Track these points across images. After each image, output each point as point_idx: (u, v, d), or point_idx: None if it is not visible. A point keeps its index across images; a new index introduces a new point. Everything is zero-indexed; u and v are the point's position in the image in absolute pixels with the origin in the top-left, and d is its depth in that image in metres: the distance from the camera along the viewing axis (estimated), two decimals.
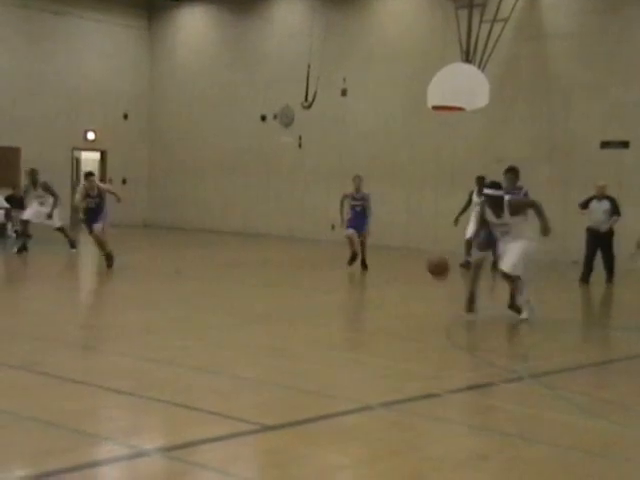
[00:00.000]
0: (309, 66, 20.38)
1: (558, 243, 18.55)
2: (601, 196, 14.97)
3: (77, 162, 26.53)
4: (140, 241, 23.26)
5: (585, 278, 14.88)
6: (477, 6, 19.11)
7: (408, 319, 10.58)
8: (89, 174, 15.80)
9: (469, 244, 15.46)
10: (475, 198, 15.97)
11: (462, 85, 17.50)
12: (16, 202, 21.53)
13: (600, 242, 14.98)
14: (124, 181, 26.66)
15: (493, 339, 9.71)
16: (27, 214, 17.82)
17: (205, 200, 25.77)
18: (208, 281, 14.13)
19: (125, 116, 26.40)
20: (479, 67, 18.58)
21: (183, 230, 25.14)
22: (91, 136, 25.76)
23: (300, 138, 23.64)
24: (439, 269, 9.87)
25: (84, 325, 10.27)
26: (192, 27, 26.30)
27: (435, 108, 18.00)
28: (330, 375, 7.49)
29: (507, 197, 10.11)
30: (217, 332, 9.32)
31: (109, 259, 14.75)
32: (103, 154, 26.42)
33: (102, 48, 25.94)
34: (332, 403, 6.45)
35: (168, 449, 5.28)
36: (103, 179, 26.58)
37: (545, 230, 10.02)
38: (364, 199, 15.61)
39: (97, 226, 14.77)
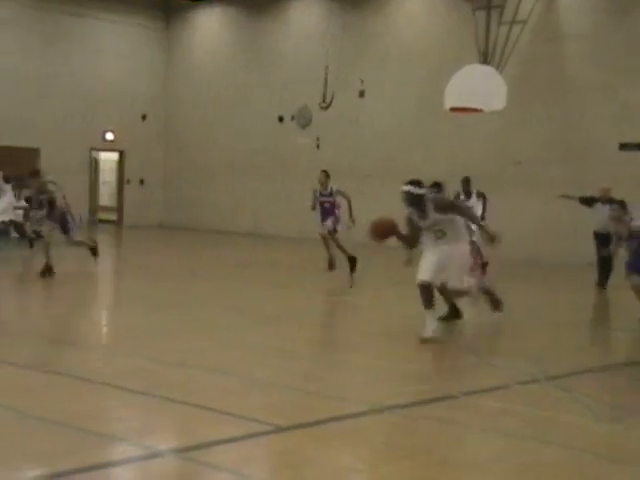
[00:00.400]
0: (327, 67, 20.40)
1: (571, 244, 18.54)
2: (605, 199, 14.74)
3: (96, 162, 26.68)
4: (155, 242, 23.36)
5: (601, 282, 14.80)
6: (495, 8, 19.09)
7: (418, 320, 10.54)
8: (34, 172, 14.18)
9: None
10: (463, 200, 15.67)
11: (480, 87, 17.49)
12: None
13: (607, 244, 14.79)
14: (142, 182, 26.78)
15: (504, 340, 9.68)
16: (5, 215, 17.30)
17: (220, 201, 25.82)
18: (219, 281, 14.18)
19: (143, 117, 26.51)
20: (497, 69, 18.55)
21: (198, 231, 25.20)
22: (110, 136, 25.88)
23: (318, 139, 23.66)
24: (382, 232, 9.01)
25: (97, 325, 10.35)
26: (209, 28, 26.38)
27: (452, 109, 17.99)
28: (340, 377, 7.50)
29: (430, 195, 9.17)
30: (227, 333, 9.35)
31: (94, 250, 14.30)
32: (121, 154, 26.54)
33: (119, 49, 26.05)
34: (342, 405, 6.46)
35: (181, 450, 5.31)
36: (122, 179, 26.74)
37: (490, 239, 9.24)
38: (332, 195, 14.91)
39: (72, 233, 13.70)
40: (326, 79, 20.48)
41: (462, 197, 15.67)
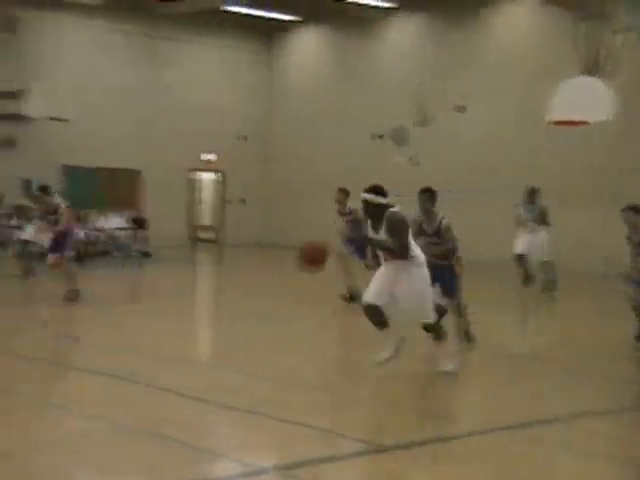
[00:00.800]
0: (423, 83, 20.19)
1: None
2: None
3: (196, 183, 27.06)
4: (255, 259, 23.54)
5: None
6: (601, 17, 18.59)
7: (529, 339, 10.24)
8: (41, 189, 12.95)
9: (519, 260, 14.78)
10: (523, 213, 14.78)
11: (585, 99, 17.00)
12: (140, 223, 22.41)
13: None
14: (243, 201, 27.04)
15: (611, 363, 9.24)
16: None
17: (320, 220, 25.80)
18: (321, 299, 14.08)
19: (244, 138, 26.80)
20: (605, 78, 17.99)
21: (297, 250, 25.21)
22: (210, 157, 26.28)
23: (414, 157, 23.44)
24: (312, 258, 7.90)
25: (197, 341, 10.40)
26: (308, 49, 26.54)
27: (558, 123, 17.51)
28: (448, 396, 7.30)
29: (392, 209, 7.72)
30: (328, 349, 9.26)
31: (72, 295, 12.34)
32: (222, 175, 26.88)
33: (221, 72, 26.45)
34: (449, 425, 6.28)
35: (282, 467, 5.22)
36: (224, 200, 27.08)
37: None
38: (352, 213, 13.62)
39: (51, 256, 12.52)
40: (423, 95, 20.27)
41: (521, 209, 14.89)
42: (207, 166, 26.62)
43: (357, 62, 25.05)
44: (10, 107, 21.96)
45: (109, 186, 23.97)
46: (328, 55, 26.02)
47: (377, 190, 7.75)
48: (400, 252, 7.58)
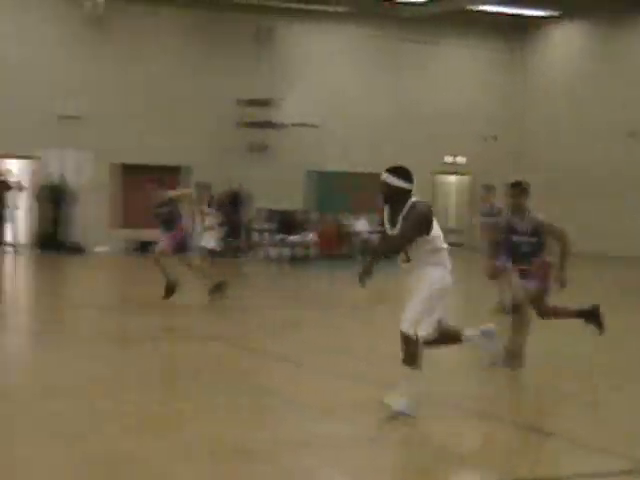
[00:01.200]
0: None
1: None
2: None
3: (441, 186, 26.82)
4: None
5: None
6: None
7: None
8: (157, 181, 12.14)
9: None
10: None
11: None
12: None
13: None
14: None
15: None
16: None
17: (576, 220, 24.68)
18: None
19: (494, 138, 26.27)
20: None
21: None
22: (457, 159, 26.02)
23: None
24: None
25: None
26: (563, 45, 25.63)
27: None
28: None
29: (414, 199, 6.49)
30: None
31: (169, 289, 11.75)
32: (468, 177, 26.48)
33: (468, 72, 26.11)
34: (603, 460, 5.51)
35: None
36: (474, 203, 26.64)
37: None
38: (495, 214, 12.31)
39: (160, 245, 11.95)
40: None
41: None
42: (451, 168, 26.35)
43: (616, 56, 23.80)
44: (262, 114, 22.88)
45: (355, 189, 24.28)
46: (585, 51, 24.99)
47: (400, 172, 6.52)
48: (397, 244, 6.30)
